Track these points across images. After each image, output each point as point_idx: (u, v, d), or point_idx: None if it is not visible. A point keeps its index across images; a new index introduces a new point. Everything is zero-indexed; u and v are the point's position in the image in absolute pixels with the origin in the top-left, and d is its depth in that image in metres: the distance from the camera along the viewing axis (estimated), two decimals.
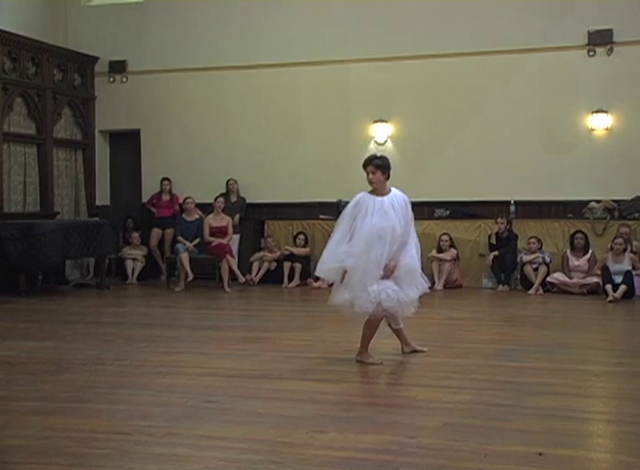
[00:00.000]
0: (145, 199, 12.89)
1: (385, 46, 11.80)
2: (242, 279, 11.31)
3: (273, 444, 3.91)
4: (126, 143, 13.34)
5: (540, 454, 3.70)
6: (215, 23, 12.61)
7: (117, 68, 13.12)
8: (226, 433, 4.09)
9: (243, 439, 3.98)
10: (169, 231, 12.20)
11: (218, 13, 12.60)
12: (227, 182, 12.26)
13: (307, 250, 11.79)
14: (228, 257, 11.24)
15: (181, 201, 12.17)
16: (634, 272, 9.85)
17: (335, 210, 12.00)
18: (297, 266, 11.56)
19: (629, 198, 10.77)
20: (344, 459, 3.67)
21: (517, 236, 10.98)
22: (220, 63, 12.53)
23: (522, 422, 4.25)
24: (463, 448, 3.83)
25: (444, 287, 10.93)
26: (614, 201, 10.81)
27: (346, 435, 4.05)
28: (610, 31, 10.95)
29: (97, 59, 13.07)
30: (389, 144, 12.02)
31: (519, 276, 10.88)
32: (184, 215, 11.84)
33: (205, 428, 4.21)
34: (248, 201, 12.33)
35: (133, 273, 12.20)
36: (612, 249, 10.03)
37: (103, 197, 13.39)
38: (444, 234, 11.15)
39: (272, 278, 11.68)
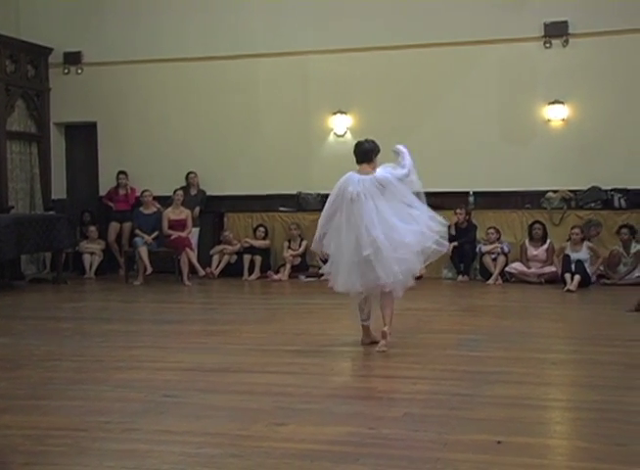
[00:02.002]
0: (102, 192, 12.72)
1: (344, 38, 11.78)
2: (202, 272, 11.23)
3: (232, 437, 3.88)
4: (83, 136, 13.16)
5: (499, 442, 3.73)
6: (173, 14, 12.47)
7: (72, 59, 12.91)
8: (185, 427, 4.05)
9: (202, 433, 3.95)
10: (127, 225, 12.07)
11: (177, 3, 12.48)
12: (187, 175, 12.16)
13: (267, 242, 11.75)
14: (187, 250, 11.15)
15: (139, 194, 12.05)
16: (591, 260, 10.02)
17: (295, 202, 12.02)
18: (258, 259, 11.52)
19: (585, 188, 10.92)
20: (305, 451, 3.66)
21: (476, 227, 11.06)
22: (179, 54, 12.38)
23: (481, 411, 4.28)
24: (423, 438, 3.84)
25: None
26: (570, 191, 10.96)
27: (307, 427, 4.04)
28: (565, 23, 11.07)
29: (51, 50, 12.84)
30: (349, 136, 12.01)
31: (478, 266, 10.97)
32: (142, 209, 11.72)
33: (165, 423, 4.16)
34: (207, 193, 12.24)
35: (91, 267, 12.04)
36: (570, 238, 10.18)
37: (59, 190, 13.18)
38: None
39: (232, 271, 11.63)
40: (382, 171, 6.13)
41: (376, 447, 3.71)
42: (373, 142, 6.26)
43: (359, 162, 6.21)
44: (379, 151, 6.26)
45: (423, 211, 6.16)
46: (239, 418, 4.20)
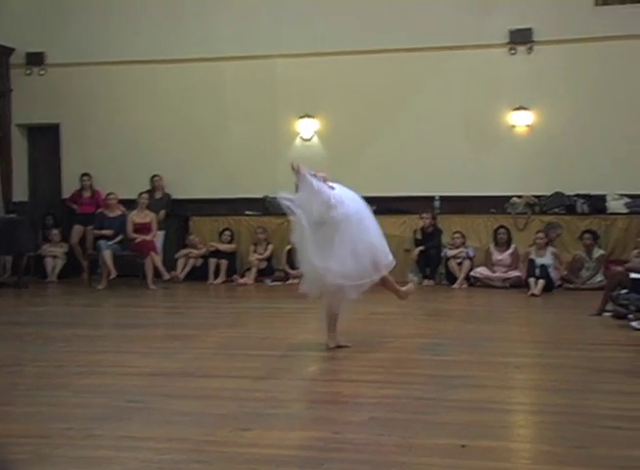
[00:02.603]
0: (66, 195, 12.57)
1: (311, 42, 11.78)
2: (166, 276, 11.14)
3: (197, 443, 3.85)
4: (45, 137, 12.98)
5: (463, 446, 3.74)
6: (139, 16, 12.37)
7: (35, 59, 12.74)
8: (149, 433, 4.01)
9: (166, 438, 3.91)
10: (91, 228, 11.93)
11: (143, 5, 12.37)
12: (152, 178, 12.07)
13: (233, 246, 11.70)
14: (152, 253, 11.07)
15: (104, 197, 11.92)
16: (554, 266, 10.13)
17: (261, 205, 11.99)
18: (223, 263, 11.47)
19: (549, 193, 11.05)
20: (270, 456, 3.64)
21: (441, 231, 11.12)
22: (144, 56, 12.28)
23: (445, 415, 4.29)
24: (388, 442, 3.84)
25: None
26: (534, 196, 11.07)
27: (272, 432, 4.02)
28: (530, 31, 11.20)
29: (12, 50, 12.65)
30: (316, 140, 12.03)
31: (443, 271, 11.03)
32: (105, 212, 11.61)
33: (128, 428, 4.12)
34: (173, 197, 12.16)
35: (53, 271, 11.89)
36: (534, 243, 10.28)
37: (21, 193, 12.98)
38: None
39: (198, 275, 11.55)
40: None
41: (341, 452, 3.70)
42: None
43: None
44: None
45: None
46: (204, 423, 4.16)
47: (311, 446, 3.79)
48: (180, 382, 5.16)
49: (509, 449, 3.79)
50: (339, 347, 6.16)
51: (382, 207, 11.51)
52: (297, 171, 5.99)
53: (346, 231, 6.02)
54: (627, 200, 10.81)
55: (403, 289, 6.80)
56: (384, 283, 6.50)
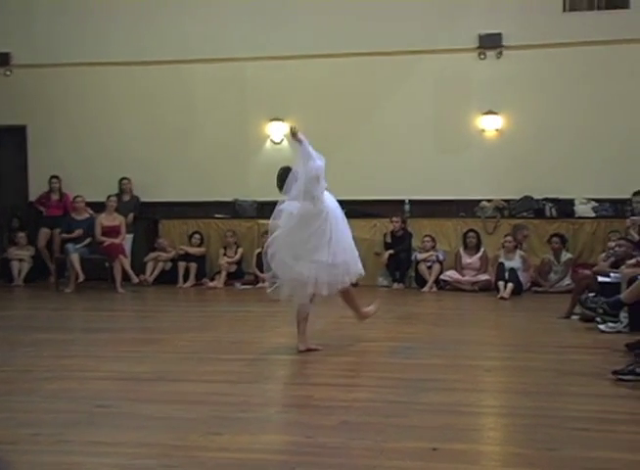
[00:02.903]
0: (33, 197, 12.43)
1: (281, 45, 11.79)
2: (135, 280, 11.05)
3: (167, 447, 3.81)
4: (12, 139, 12.81)
5: (434, 449, 3.75)
6: (108, 17, 12.28)
7: (1, 60, 12.58)
8: (119, 438, 3.96)
9: (136, 443, 3.87)
10: (59, 231, 11.80)
11: (111, 5, 12.27)
12: (120, 181, 11.97)
13: (202, 249, 11.65)
14: (121, 257, 10.98)
15: (72, 199, 11.80)
16: (523, 268, 10.21)
17: (231, 208, 11.95)
18: (193, 266, 11.41)
19: (518, 197, 11.14)
20: (241, 461, 3.61)
21: (411, 235, 11.16)
22: (113, 58, 12.21)
23: (417, 418, 4.29)
24: (359, 446, 3.83)
25: None
26: (504, 200, 11.16)
27: (243, 436, 3.99)
28: (499, 35, 11.31)
29: None
30: (286, 143, 12.01)
31: (413, 274, 11.07)
32: (73, 214, 11.49)
33: (97, 434, 4.06)
34: (142, 199, 12.07)
35: (19, 275, 11.74)
36: (503, 246, 10.36)
37: None
38: None
39: (167, 278, 11.48)
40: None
41: (313, 456, 3.69)
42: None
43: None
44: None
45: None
46: (174, 428, 4.12)
47: (283, 450, 3.78)
48: (150, 386, 5.10)
49: (480, 452, 3.80)
50: (309, 350, 6.15)
51: (352, 210, 11.55)
52: (296, 137, 6.09)
53: (333, 223, 6.16)
54: (595, 204, 10.95)
55: (365, 309, 6.69)
56: (346, 296, 6.46)
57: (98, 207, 11.48)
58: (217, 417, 4.33)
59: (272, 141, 12.05)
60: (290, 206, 6.18)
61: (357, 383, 5.18)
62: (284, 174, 6.23)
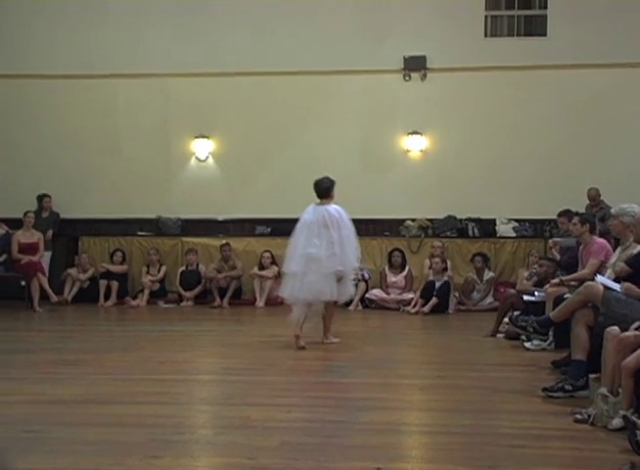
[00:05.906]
0: None
1: (206, 62, 11.69)
2: (54, 298, 10.70)
3: None
4: None
5: (379, 469, 3.73)
6: (25, 28, 11.92)
7: None
8: (52, 464, 3.80)
9: (71, 469, 3.71)
10: None
11: (31, 17, 11.93)
12: (41, 199, 11.58)
13: (124, 267, 11.38)
14: (39, 274, 10.62)
15: None
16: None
17: (154, 226, 11.73)
18: (114, 284, 11.12)
19: (442, 217, 11.31)
20: None
21: None
22: (30, 70, 11.85)
23: (358, 438, 4.27)
24: (303, 467, 3.79)
25: (266, 304, 10.89)
26: (427, 219, 11.31)
27: (183, 459, 3.89)
28: (423, 58, 11.51)
29: None
30: (211, 160, 11.92)
31: None
32: None
33: (27, 460, 3.86)
34: (61, 216, 11.73)
35: None
36: (431, 267, 10.45)
37: None
38: (266, 251, 11.11)
39: (86, 297, 11.14)
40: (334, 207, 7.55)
41: None
42: (330, 180, 7.62)
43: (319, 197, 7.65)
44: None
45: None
46: (110, 452, 3.98)
47: None
48: (80, 409, 4.92)
49: None
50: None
51: (278, 228, 11.55)
52: None
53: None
54: (515, 224, 11.21)
55: (331, 338, 7.56)
56: (329, 312, 7.51)
57: (15, 223, 11.07)
58: (154, 440, 4.20)
59: (197, 158, 11.92)
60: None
61: (294, 403, 5.12)
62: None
